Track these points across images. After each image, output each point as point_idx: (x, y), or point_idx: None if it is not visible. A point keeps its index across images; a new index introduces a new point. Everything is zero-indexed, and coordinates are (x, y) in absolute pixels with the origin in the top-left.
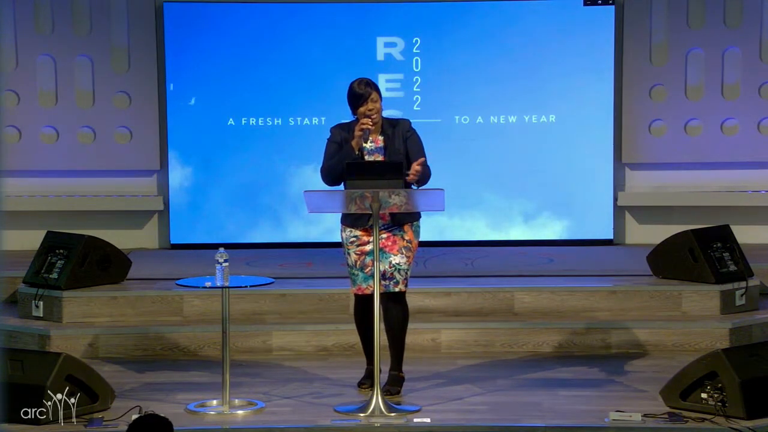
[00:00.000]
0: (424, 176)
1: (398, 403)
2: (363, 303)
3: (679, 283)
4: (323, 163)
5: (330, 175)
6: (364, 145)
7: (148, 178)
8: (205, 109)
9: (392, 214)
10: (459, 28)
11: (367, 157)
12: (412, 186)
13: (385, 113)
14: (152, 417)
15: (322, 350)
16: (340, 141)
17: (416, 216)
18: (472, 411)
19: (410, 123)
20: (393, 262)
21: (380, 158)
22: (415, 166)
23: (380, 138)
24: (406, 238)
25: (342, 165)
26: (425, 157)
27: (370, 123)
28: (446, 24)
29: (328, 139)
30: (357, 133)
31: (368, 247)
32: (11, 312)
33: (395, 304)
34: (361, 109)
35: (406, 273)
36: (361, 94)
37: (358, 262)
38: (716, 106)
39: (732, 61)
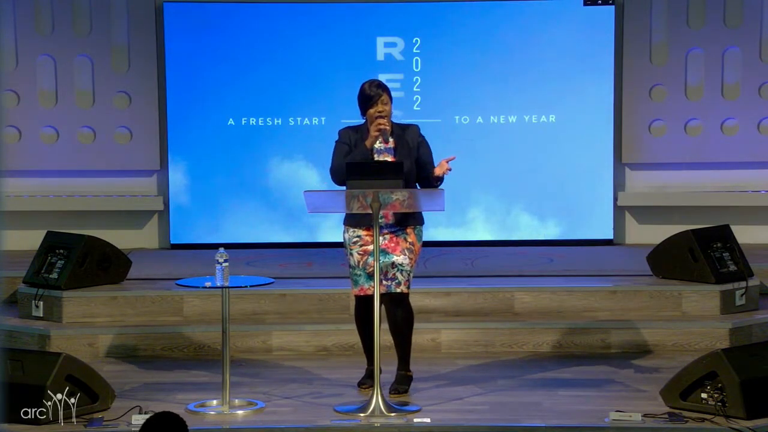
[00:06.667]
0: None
1: (405, 403)
2: (364, 304)
3: (679, 283)
4: (333, 163)
5: (340, 174)
6: (375, 145)
7: (148, 178)
8: (205, 109)
9: (395, 216)
10: (459, 28)
11: (376, 157)
12: (417, 185)
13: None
14: (167, 415)
15: (322, 350)
16: (350, 143)
17: (420, 220)
18: (472, 411)
19: (419, 128)
20: (396, 262)
21: (390, 158)
22: (447, 165)
23: (391, 139)
24: (409, 240)
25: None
26: (433, 163)
27: (386, 123)
28: (446, 24)
29: (336, 141)
30: (374, 133)
31: (371, 247)
32: (11, 312)
33: (398, 307)
34: (371, 111)
35: (409, 274)
36: (371, 95)
37: (361, 262)
38: (716, 106)
39: (732, 61)
